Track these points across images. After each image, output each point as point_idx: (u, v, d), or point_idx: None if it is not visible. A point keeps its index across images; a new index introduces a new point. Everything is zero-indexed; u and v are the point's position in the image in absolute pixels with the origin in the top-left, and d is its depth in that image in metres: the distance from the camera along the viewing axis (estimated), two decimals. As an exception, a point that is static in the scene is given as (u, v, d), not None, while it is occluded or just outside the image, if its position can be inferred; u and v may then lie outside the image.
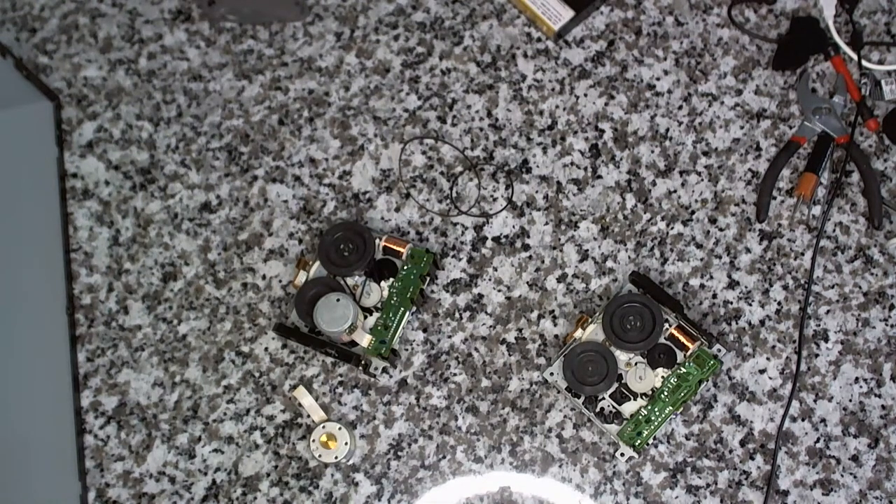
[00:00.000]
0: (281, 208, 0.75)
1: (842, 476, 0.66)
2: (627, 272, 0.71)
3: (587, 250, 0.72)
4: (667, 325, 0.68)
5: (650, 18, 0.78)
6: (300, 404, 0.70)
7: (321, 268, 0.71)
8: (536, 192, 0.74)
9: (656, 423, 0.66)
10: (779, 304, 0.70)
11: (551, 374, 0.68)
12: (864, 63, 0.75)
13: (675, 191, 0.73)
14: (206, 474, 0.69)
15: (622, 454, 0.66)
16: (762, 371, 0.69)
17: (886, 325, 0.69)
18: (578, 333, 0.68)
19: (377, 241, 0.71)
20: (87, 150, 0.78)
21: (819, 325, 0.69)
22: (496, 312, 0.71)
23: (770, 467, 0.67)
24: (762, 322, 0.70)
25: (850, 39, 0.76)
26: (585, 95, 0.76)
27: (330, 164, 0.76)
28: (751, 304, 0.70)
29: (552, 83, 0.77)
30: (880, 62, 0.76)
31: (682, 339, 0.67)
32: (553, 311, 0.71)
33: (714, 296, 0.71)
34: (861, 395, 0.68)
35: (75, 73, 0.80)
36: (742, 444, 0.67)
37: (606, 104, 0.76)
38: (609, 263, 0.72)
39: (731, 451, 0.67)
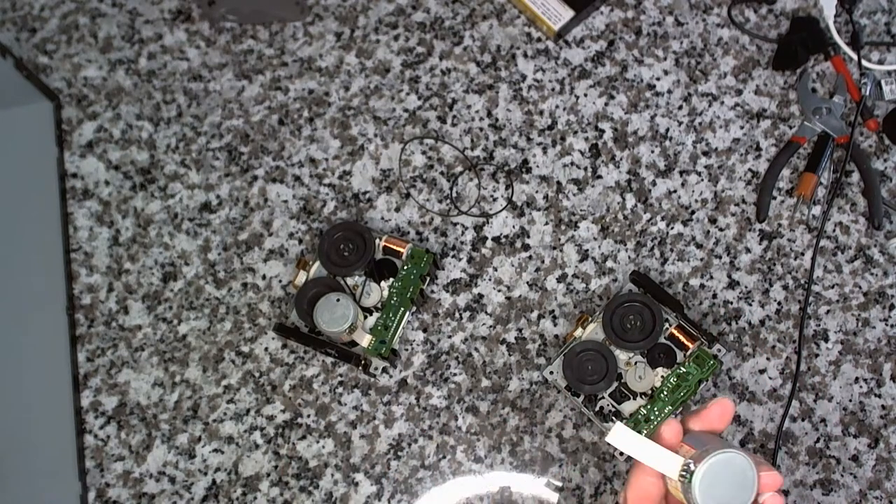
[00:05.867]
0: (281, 208, 0.75)
1: (842, 476, 0.66)
2: (627, 272, 0.71)
3: (587, 250, 0.72)
4: (667, 325, 0.68)
5: (650, 18, 0.78)
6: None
7: (321, 268, 0.71)
8: (536, 192, 0.74)
9: (656, 423, 0.66)
10: (779, 304, 0.70)
11: (551, 372, 0.68)
12: (864, 63, 0.75)
13: (675, 191, 0.73)
14: (206, 474, 0.69)
15: (622, 454, 0.66)
16: (762, 371, 0.69)
17: (886, 325, 0.69)
18: (578, 332, 0.68)
19: (377, 241, 0.71)
20: (87, 150, 0.78)
21: (819, 325, 0.69)
22: (496, 312, 0.71)
23: (770, 467, 0.67)
24: (762, 322, 0.70)
25: (850, 39, 0.76)
26: (585, 95, 0.76)
27: (330, 164, 0.76)
28: (751, 304, 0.70)
29: (552, 83, 0.77)
30: (880, 62, 0.76)
31: (682, 338, 0.67)
32: (553, 311, 0.71)
33: (714, 296, 0.71)
34: (861, 395, 0.68)
35: (75, 73, 0.80)
36: (742, 444, 0.67)
37: (606, 104, 0.76)
38: (609, 263, 0.72)
39: (731, 451, 0.67)
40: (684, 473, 0.47)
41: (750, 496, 0.45)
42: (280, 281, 0.73)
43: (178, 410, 0.71)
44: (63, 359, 0.72)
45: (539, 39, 0.78)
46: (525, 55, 0.78)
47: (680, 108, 0.75)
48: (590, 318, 0.69)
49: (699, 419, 0.51)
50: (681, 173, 0.74)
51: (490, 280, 0.72)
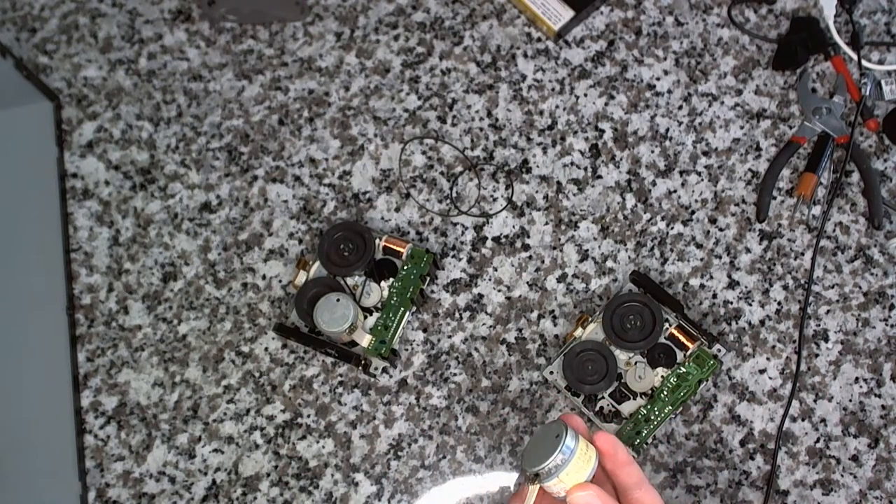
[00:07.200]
0: (281, 208, 0.75)
1: (842, 476, 0.66)
2: (627, 272, 0.71)
3: (587, 250, 0.72)
4: (667, 325, 0.68)
5: (650, 18, 0.78)
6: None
7: (321, 268, 0.71)
8: (536, 192, 0.74)
9: (656, 423, 0.66)
10: (779, 304, 0.70)
11: (551, 372, 0.68)
12: (864, 63, 0.75)
13: (675, 191, 0.73)
14: (206, 474, 0.69)
15: None
16: (762, 371, 0.69)
17: (886, 325, 0.69)
18: (578, 332, 0.68)
19: (377, 241, 0.71)
20: (87, 150, 0.78)
21: (819, 325, 0.69)
22: (496, 312, 0.71)
23: (770, 467, 0.67)
24: (762, 322, 0.70)
25: (850, 39, 0.76)
26: (585, 95, 0.76)
27: (330, 164, 0.76)
28: (751, 304, 0.70)
29: (552, 83, 0.77)
30: (880, 62, 0.76)
31: (682, 338, 0.67)
32: (553, 311, 0.71)
33: (714, 296, 0.71)
34: (861, 395, 0.68)
35: (75, 73, 0.80)
36: (742, 444, 0.67)
37: (606, 104, 0.76)
38: (609, 263, 0.72)
39: (731, 451, 0.67)
40: (521, 481, 0.54)
41: (562, 432, 0.53)
42: (280, 281, 0.73)
43: (178, 410, 0.71)
44: (63, 359, 0.72)
45: (539, 39, 0.78)
46: (525, 55, 0.78)
47: (680, 108, 0.75)
48: (590, 318, 0.69)
49: None
50: (681, 173, 0.74)
51: (490, 280, 0.72)
